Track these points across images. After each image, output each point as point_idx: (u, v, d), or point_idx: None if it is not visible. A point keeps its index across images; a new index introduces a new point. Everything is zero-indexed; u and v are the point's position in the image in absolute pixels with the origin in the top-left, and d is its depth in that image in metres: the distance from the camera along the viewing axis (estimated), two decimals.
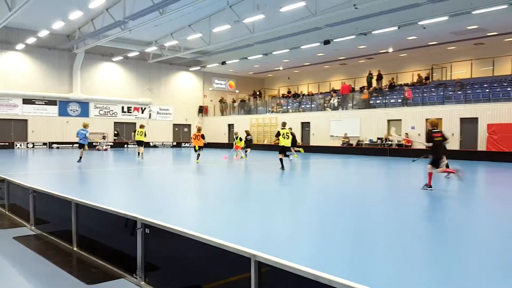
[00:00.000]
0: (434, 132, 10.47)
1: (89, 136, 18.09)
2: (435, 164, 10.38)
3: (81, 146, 17.89)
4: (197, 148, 19.08)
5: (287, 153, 15.46)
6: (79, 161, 17.41)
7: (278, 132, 15.86)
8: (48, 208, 6.17)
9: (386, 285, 4.11)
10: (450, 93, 25.24)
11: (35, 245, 5.58)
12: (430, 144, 10.36)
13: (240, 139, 22.93)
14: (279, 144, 15.89)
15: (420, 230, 6.56)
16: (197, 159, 18.81)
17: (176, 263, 3.86)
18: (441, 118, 24.37)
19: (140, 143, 21.02)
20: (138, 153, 20.93)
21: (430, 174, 10.37)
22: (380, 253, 5.24)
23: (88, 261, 4.88)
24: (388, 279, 4.32)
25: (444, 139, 10.47)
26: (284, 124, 16.42)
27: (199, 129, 19.52)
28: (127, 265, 4.29)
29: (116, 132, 35.42)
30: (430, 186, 10.29)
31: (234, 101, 41.08)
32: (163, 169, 17.40)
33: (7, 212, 7.58)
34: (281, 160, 15.80)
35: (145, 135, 20.90)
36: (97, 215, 4.93)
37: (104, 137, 33.26)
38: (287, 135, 15.80)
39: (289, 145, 16.77)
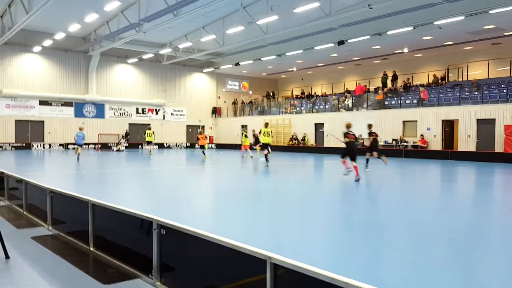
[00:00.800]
0: (348, 134, 13.18)
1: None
2: (349, 158, 13.00)
3: (79, 146, 20.72)
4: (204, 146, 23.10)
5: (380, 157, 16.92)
6: (78, 158, 19.99)
7: (261, 130, 18.00)
8: (65, 208, 6.24)
9: None
10: (467, 93, 24.88)
11: (52, 245, 5.65)
12: (347, 140, 13.04)
13: (246, 136, 23.50)
14: (262, 142, 18.18)
15: (440, 232, 6.47)
16: (205, 155, 22.81)
17: (192, 264, 3.87)
18: (458, 119, 24.09)
19: (149, 143, 25.54)
20: (149, 151, 25.56)
21: (355, 168, 12.70)
22: (397, 256, 5.19)
23: (104, 261, 4.92)
24: (405, 282, 4.27)
25: (356, 139, 13.43)
26: (266, 125, 18.90)
27: (200, 132, 22.72)
28: (143, 265, 4.31)
29: (126, 133, 35.58)
30: (350, 173, 12.92)
31: (243, 102, 41.07)
32: (177, 170, 17.48)
33: (25, 212, 7.69)
34: (266, 156, 17.67)
35: (154, 136, 25.02)
36: (113, 216, 4.97)
37: (124, 136, 33.66)
38: (267, 134, 18.15)
39: (270, 142, 18.85)
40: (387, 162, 17.13)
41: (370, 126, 17.71)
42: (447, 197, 10.70)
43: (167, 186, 12.20)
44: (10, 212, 7.85)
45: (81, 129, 21.21)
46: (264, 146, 18.32)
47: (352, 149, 13.06)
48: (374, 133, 17.77)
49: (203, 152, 23.09)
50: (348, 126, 13.67)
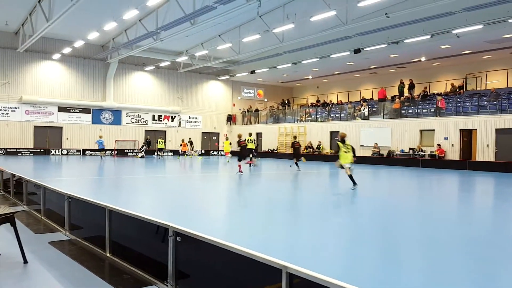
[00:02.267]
0: (242, 141, 18.59)
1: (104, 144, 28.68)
2: (241, 159, 17.92)
3: (101, 150, 28.67)
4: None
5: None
6: (102, 157, 27.87)
7: (245, 138, 20.66)
8: (82, 214, 6.31)
9: None
10: (485, 103, 24.51)
11: (69, 250, 5.71)
12: (239, 149, 18.58)
13: (230, 144, 27.20)
14: (247, 147, 20.23)
15: (454, 242, 6.36)
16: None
17: (207, 271, 3.87)
18: (476, 129, 23.72)
19: (160, 150, 33.05)
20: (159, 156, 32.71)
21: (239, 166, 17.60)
22: (412, 267, 5.11)
23: (120, 267, 4.95)
24: None
25: (246, 144, 19.24)
26: (250, 134, 22.77)
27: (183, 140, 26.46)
28: (158, 272, 4.33)
29: (147, 140, 35.77)
30: (241, 172, 17.43)
31: (256, 110, 41.09)
32: (192, 177, 17.55)
33: (43, 217, 7.79)
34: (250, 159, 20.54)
35: (164, 144, 32.50)
36: (129, 222, 5.00)
37: (145, 143, 33.99)
38: (251, 141, 21.70)
39: (253, 147, 22.35)
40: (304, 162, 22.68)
41: (294, 137, 22.93)
42: (462, 207, 10.52)
43: (179, 193, 12.25)
44: (28, 217, 7.96)
45: (100, 136, 28.59)
46: (249, 151, 20.96)
47: (242, 153, 18.36)
48: (297, 142, 21.50)
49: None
50: (239, 136, 19.25)
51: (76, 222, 6.44)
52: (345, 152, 12.91)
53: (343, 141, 13.10)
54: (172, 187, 13.78)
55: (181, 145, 33.02)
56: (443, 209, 9.89)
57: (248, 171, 19.09)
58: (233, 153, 27.94)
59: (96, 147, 29.65)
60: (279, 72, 35.08)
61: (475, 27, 20.51)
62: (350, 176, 12.64)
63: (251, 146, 21.67)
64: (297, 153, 21.26)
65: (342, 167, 13.03)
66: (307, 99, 41.98)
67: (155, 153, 35.07)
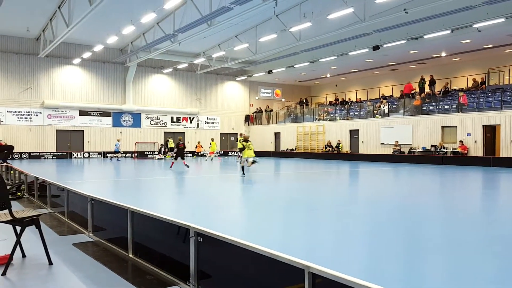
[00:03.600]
0: (180, 143, 20.87)
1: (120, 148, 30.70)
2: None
3: (116, 153, 30.58)
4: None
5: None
6: (118, 160, 29.33)
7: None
8: (105, 216, 6.39)
9: None
10: (508, 98, 23.95)
11: (93, 252, 5.78)
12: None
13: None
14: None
15: (478, 242, 6.21)
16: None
17: (229, 272, 3.87)
18: (499, 124, 23.20)
19: (171, 149, 31.65)
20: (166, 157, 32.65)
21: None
22: (437, 267, 5.01)
23: (143, 267, 4.99)
24: None
25: (185, 146, 21.38)
26: (241, 134, 22.42)
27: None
28: (181, 272, 4.34)
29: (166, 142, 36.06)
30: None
31: (271, 110, 41.02)
32: (211, 178, 17.63)
33: (66, 220, 7.92)
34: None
35: (174, 144, 30.72)
36: (151, 223, 5.04)
37: (163, 145, 34.55)
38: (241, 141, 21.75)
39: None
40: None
41: (180, 139, 22.36)
42: (487, 205, 10.30)
43: (198, 194, 12.31)
44: (52, 220, 8.11)
45: (118, 140, 30.46)
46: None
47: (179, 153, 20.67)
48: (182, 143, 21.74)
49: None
50: (180, 139, 21.65)
51: (99, 223, 6.52)
52: (248, 149, 16.64)
53: (246, 141, 17.20)
54: (188, 188, 13.86)
55: (196, 146, 33.40)
56: (467, 208, 9.70)
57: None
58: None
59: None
60: (296, 71, 34.96)
61: (496, 20, 20.05)
62: (211, 158, 19.08)
63: (240, 146, 22.01)
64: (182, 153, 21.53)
65: (246, 160, 16.61)
66: (325, 97, 41.71)
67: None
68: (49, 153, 31.86)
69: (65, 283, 4.57)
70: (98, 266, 5.11)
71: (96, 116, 33.88)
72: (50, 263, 5.05)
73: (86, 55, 30.97)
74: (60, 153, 32.28)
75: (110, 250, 5.80)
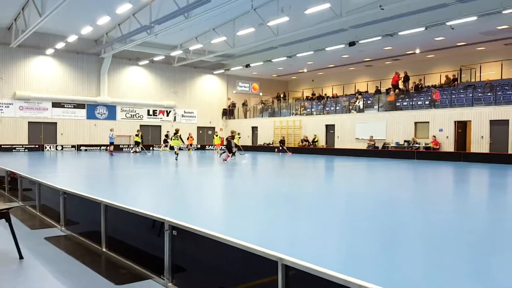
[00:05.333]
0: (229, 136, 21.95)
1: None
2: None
3: (111, 144, 28.78)
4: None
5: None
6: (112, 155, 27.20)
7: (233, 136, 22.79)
8: (78, 209, 6.30)
9: None
10: (480, 94, 24.62)
11: (65, 246, 5.70)
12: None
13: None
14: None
15: (454, 234, 6.40)
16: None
17: (203, 265, 3.88)
18: (470, 120, 23.83)
19: (137, 143, 31.09)
20: (135, 151, 31.27)
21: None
22: (411, 258, 5.14)
23: (116, 261, 4.95)
24: (420, 285, 4.23)
25: (233, 138, 22.06)
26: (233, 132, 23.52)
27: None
28: (155, 266, 4.33)
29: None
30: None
31: (244, 103, 41.09)
32: (188, 172, 17.55)
33: (38, 213, 7.77)
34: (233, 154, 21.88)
35: (141, 137, 31.12)
36: (125, 217, 5.00)
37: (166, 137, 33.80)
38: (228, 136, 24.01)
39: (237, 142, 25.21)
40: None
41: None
42: (456, 198, 10.60)
43: (172, 187, 12.25)
44: (23, 213, 7.94)
45: (111, 130, 29.10)
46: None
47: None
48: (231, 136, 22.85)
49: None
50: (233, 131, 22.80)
51: (72, 217, 6.43)
52: (174, 140, 23.34)
53: (175, 134, 23.53)
54: (166, 182, 13.77)
55: (187, 138, 32.51)
56: (439, 201, 9.95)
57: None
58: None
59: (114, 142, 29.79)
60: (274, 65, 35.02)
61: (469, 18, 20.51)
62: (176, 154, 23.05)
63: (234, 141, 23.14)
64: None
65: (172, 148, 22.95)
66: (302, 92, 41.98)
67: (152, 148, 35.01)
68: (21, 146, 31.08)
69: (36, 278, 4.50)
70: (70, 260, 5.04)
71: (70, 108, 33.20)
72: (21, 257, 4.96)
73: (60, 45, 30.26)
74: (32, 146, 31.52)
75: (83, 244, 5.72)
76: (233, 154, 22.01)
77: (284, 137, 34.23)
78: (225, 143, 24.85)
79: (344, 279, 2.56)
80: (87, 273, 4.59)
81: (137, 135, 31.21)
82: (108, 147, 29.52)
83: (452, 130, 24.61)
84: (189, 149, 32.37)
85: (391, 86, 30.20)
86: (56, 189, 6.82)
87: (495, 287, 4.22)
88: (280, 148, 25.27)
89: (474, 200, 10.45)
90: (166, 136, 32.60)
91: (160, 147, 34.97)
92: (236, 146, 23.66)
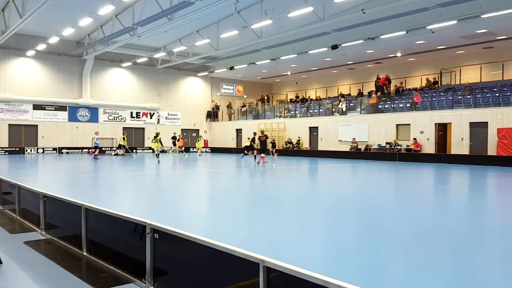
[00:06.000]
0: (261, 136, 21.83)
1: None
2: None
3: (96, 148, 26.60)
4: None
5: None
6: (96, 158, 25.65)
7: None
8: (58, 213, 6.22)
9: None
10: (459, 97, 25.08)
11: (45, 250, 5.63)
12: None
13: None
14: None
15: (433, 234, 6.51)
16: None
17: (185, 268, 3.87)
18: (450, 123, 24.24)
19: (120, 147, 30.13)
20: (117, 154, 30.98)
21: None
22: (391, 258, 5.21)
23: (97, 265, 4.91)
24: (400, 285, 4.29)
25: (267, 137, 22.26)
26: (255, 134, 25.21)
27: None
28: (136, 270, 4.31)
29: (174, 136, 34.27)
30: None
31: (228, 106, 41.05)
32: (173, 174, 17.46)
33: (18, 217, 7.65)
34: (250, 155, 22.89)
35: (125, 140, 29.63)
36: (106, 220, 4.97)
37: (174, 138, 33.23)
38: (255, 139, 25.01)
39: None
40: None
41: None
42: (436, 199, 10.77)
43: (157, 190, 12.18)
44: (3, 217, 7.81)
45: (96, 133, 27.79)
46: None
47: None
48: (263, 136, 23.28)
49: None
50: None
51: (52, 221, 6.35)
52: (154, 142, 24.44)
53: (155, 137, 24.52)
54: (151, 185, 13.69)
55: (178, 140, 31.47)
56: (420, 203, 10.10)
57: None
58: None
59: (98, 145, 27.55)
60: (258, 68, 35.10)
61: (449, 22, 20.91)
62: (158, 155, 24.17)
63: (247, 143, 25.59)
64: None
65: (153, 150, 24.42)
66: (286, 95, 42.15)
67: (135, 150, 34.70)
68: (1, 149, 30.50)
69: (15, 282, 4.43)
70: (50, 264, 4.98)
71: (51, 110, 32.72)
72: (0, 262, 4.88)
73: (41, 47, 29.84)
74: (13, 149, 30.96)
75: (63, 248, 5.66)
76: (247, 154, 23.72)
77: (275, 139, 32.88)
78: (256, 144, 24.81)
79: (324, 280, 2.59)
80: (67, 278, 4.54)
81: (124, 139, 29.97)
82: (91, 150, 28.29)
83: (432, 132, 25.00)
84: (179, 152, 31.90)
85: (377, 87, 30.34)
86: (36, 193, 6.73)
87: (474, 284, 4.32)
88: (271, 151, 25.56)
89: (452, 200, 10.64)
90: (174, 137, 32.12)
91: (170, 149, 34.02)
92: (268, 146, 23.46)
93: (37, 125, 32.24)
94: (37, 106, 32.03)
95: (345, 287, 2.49)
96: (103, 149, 34.36)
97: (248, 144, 25.30)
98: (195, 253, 3.71)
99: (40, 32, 29.58)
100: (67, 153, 32.74)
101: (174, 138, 31.59)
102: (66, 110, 33.41)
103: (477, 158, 22.38)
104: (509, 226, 7.32)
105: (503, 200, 10.77)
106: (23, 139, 31.72)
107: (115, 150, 32.83)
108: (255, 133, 25.84)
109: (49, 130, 32.74)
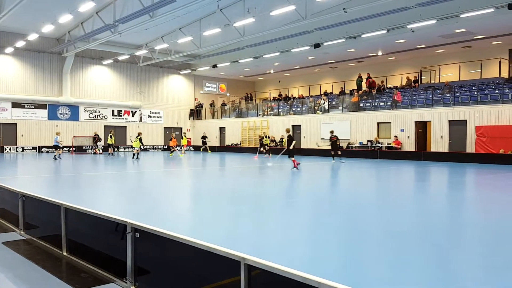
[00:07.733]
0: (333, 136, 21.39)
1: (60, 141, 24.69)
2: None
3: (56, 148, 24.48)
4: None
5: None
6: (56, 158, 23.75)
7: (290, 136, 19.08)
8: (38, 213, 6.14)
9: None
10: (439, 95, 25.50)
11: (24, 250, 5.55)
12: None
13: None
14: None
15: (413, 231, 6.61)
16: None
17: (167, 267, 3.87)
18: (430, 121, 24.63)
19: (110, 145, 30.04)
20: (95, 153, 31.55)
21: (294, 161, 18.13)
22: (371, 255, 5.28)
23: (77, 265, 4.87)
24: (380, 282, 4.36)
25: (338, 139, 22.01)
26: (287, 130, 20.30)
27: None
28: (117, 269, 4.29)
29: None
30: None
31: (211, 104, 40.97)
32: (154, 173, 17.35)
33: None
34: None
35: (112, 138, 29.76)
36: (86, 220, 4.92)
37: (99, 139, 32.84)
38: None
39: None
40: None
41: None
42: (416, 196, 10.95)
43: (139, 189, 12.10)
44: None
45: (57, 133, 25.44)
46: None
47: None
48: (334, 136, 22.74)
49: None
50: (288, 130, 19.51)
51: (31, 221, 6.26)
52: (135, 142, 24.95)
53: (137, 136, 25.04)
54: (133, 184, 13.58)
55: (170, 139, 31.02)
56: (402, 200, 10.25)
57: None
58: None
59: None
60: (241, 66, 35.06)
61: (428, 22, 21.22)
62: (137, 154, 24.84)
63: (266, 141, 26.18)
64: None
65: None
66: (269, 93, 42.22)
67: (117, 148, 34.31)
68: None
69: None
70: (29, 265, 4.92)
71: (31, 108, 32.13)
72: None
73: (20, 44, 29.27)
74: None
75: (42, 249, 5.59)
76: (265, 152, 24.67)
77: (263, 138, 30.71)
78: (282, 142, 24.19)
79: (304, 277, 2.62)
80: (47, 278, 4.49)
81: (111, 137, 29.73)
82: (56, 150, 26.66)
83: (413, 130, 25.36)
84: (171, 151, 31.11)
85: (367, 87, 30.51)
86: (15, 192, 6.63)
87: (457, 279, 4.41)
88: (264, 150, 26.72)
89: (431, 198, 10.83)
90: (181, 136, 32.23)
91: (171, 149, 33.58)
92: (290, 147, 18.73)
93: (16, 124, 31.63)
94: (16, 104, 31.41)
95: (324, 283, 2.53)
96: (83, 148, 33.95)
97: (291, 146, 18.84)
98: (177, 252, 3.71)
99: (19, 29, 29.02)
100: (47, 152, 32.20)
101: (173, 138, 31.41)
102: (46, 108, 32.85)
103: (456, 156, 22.79)
104: (487, 221, 7.49)
105: (482, 197, 11.01)
106: (1, 138, 31.09)
107: (94, 149, 32.44)
108: (288, 130, 20.13)
109: (29, 129, 32.16)
